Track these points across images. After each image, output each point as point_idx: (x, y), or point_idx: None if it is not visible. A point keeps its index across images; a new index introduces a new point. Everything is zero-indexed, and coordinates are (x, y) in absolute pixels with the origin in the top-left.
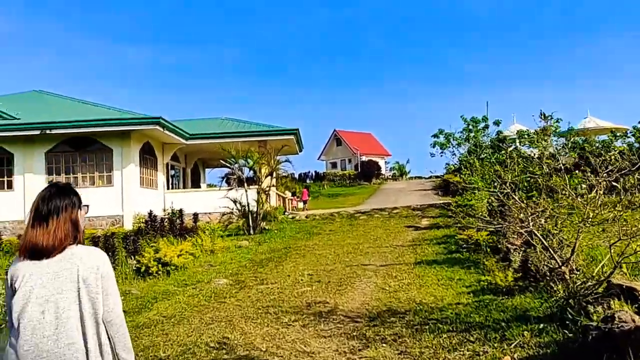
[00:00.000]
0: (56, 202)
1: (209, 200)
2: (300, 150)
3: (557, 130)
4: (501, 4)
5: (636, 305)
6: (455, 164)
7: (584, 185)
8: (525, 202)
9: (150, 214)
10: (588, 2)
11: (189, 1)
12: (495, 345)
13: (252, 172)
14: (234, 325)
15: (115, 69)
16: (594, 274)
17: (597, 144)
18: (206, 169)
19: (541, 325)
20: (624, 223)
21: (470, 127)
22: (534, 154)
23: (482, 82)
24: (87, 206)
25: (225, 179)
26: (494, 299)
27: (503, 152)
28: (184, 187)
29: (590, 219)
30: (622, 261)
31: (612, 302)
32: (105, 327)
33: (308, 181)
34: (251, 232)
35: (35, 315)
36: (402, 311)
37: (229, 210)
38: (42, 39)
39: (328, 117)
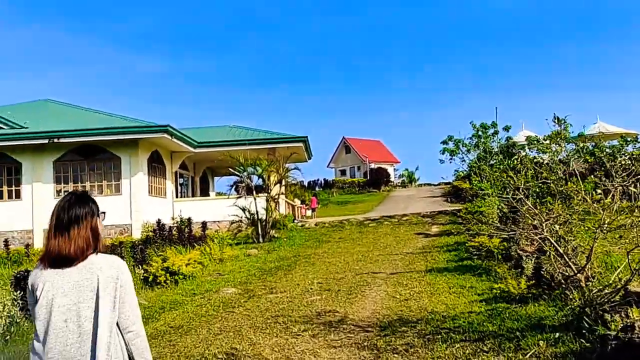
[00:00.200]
0: (76, 210)
1: (217, 209)
2: (310, 158)
3: (567, 136)
4: (507, 10)
5: None
6: (465, 170)
7: (599, 190)
8: (539, 207)
9: (158, 222)
10: (591, 5)
11: (197, 11)
12: (510, 355)
13: (260, 180)
14: (242, 335)
15: (124, 78)
16: (610, 282)
17: (607, 150)
18: (215, 177)
19: (557, 335)
20: None
21: (480, 133)
22: (544, 160)
23: (490, 89)
24: (104, 213)
25: (234, 187)
26: (507, 307)
27: (515, 157)
28: (193, 196)
29: (606, 225)
30: None
31: (630, 311)
32: (122, 335)
33: (317, 189)
34: (260, 240)
35: (59, 323)
36: (414, 320)
37: (237, 218)
38: (51, 48)
39: (337, 125)
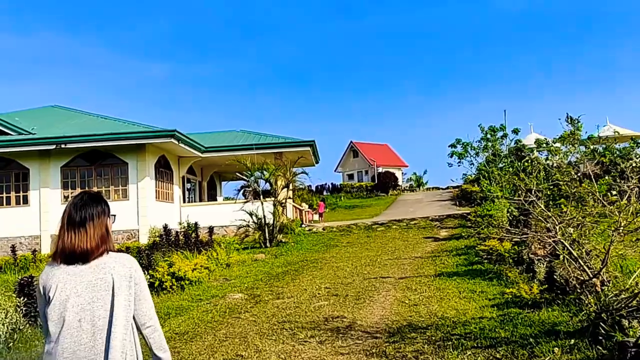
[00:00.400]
0: (90, 208)
1: (225, 213)
2: (317, 162)
3: (580, 137)
4: (512, 12)
5: None
6: (473, 173)
7: (614, 192)
8: (552, 210)
9: (165, 227)
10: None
11: (203, 17)
12: None
13: (268, 184)
14: (248, 342)
15: (131, 83)
16: (627, 286)
17: (617, 152)
18: (222, 182)
19: (572, 341)
20: None
21: (489, 135)
22: (553, 163)
23: (497, 92)
24: (115, 216)
25: (242, 192)
26: (519, 312)
27: (527, 158)
28: (200, 201)
29: (623, 228)
30: None
31: None
32: (140, 333)
33: (325, 193)
34: (267, 244)
35: (73, 323)
36: (423, 326)
37: (245, 223)
38: (60, 55)
39: (344, 129)
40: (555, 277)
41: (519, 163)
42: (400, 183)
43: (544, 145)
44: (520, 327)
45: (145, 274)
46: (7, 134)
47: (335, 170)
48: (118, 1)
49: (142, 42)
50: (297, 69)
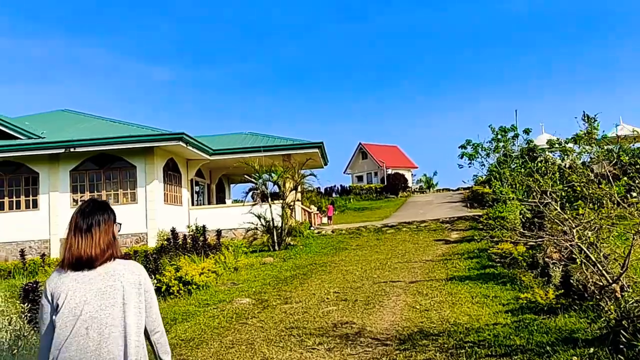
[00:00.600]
0: (96, 216)
1: (233, 216)
2: (326, 164)
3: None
4: (519, 12)
5: None
6: (483, 175)
7: (634, 194)
8: (568, 212)
9: (172, 231)
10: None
11: (208, 21)
12: None
13: (276, 186)
14: (255, 349)
15: (139, 87)
16: None
17: (631, 152)
18: (231, 185)
19: (591, 350)
20: None
21: (499, 136)
22: (566, 164)
23: (507, 92)
24: (120, 224)
25: (250, 194)
26: (534, 318)
27: (541, 159)
28: (209, 203)
29: None
30: None
31: None
32: (149, 339)
33: (334, 195)
34: (276, 248)
35: (80, 331)
36: (435, 333)
37: (253, 226)
38: (70, 59)
39: (353, 131)
40: (571, 281)
41: (533, 164)
42: (410, 185)
43: (557, 145)
44: (536, 334)
45: (152, 278)
46: (17, 138)
47: (344, 172)
48: (124, 7)
49: (147, 47)
50: (304, 71)
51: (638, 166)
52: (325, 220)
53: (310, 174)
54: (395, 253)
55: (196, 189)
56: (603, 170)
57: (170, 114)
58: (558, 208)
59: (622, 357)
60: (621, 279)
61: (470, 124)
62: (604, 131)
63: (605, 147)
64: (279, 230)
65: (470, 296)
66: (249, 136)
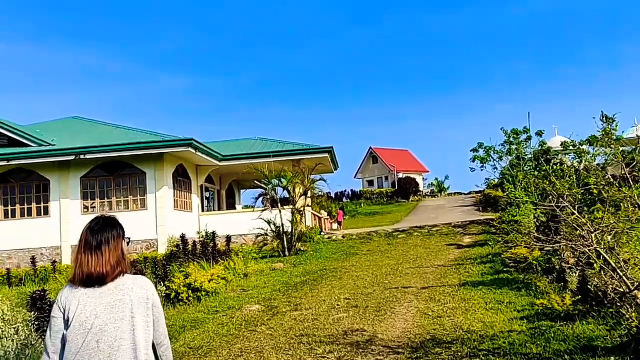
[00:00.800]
0: (105, 233)
1: (243, 222)
2: (336, 169)
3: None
4: (536, 16)
5: None
6: (496, 178)
7: None
8: (586, 216)
9: (182, 237)
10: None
11: (220, 29)
12: None
13: (286, 192)
14: (264, 357)
15: (150, 95)
16: None
17: None
18: (241, 190)
19: (612, 359)
20: None
21: (512, 139)
22: (581, 166)
23: (519, 95)
24: (129, 238)
25: (260, 200)
26: (551, 325)
27: (557, 161)
28: (219, 209)
29: None
30: None
31: None
32: (155, 352)
33: (345, 200)
34: (286, 253)
35: (91, 344)
36: (448, 340)
37: (263, 231)
38: (79, 68)
39: (363, 135)
40: (589, 287)
41: (548, 166)
42: (421, 189)
43: (571, 147)
44: (553, 342)
45: (161, 285)
46: (29, 145)
47: (354, 177)
48: (134, 15)
49: (160, 54)
50: (315, 76)
51: None
52: (335, 226)
53: (320, 179)
54: (407, 258)
55: (206, 195)
56: (623, 172)
57: (182, 121)
58: (576, 212)
59: None
60: None
61: (482, 128)
62: (623, 132)
63: (622, 149)
64: (289, 236)
65: (484, 302)
66: (258, 141)
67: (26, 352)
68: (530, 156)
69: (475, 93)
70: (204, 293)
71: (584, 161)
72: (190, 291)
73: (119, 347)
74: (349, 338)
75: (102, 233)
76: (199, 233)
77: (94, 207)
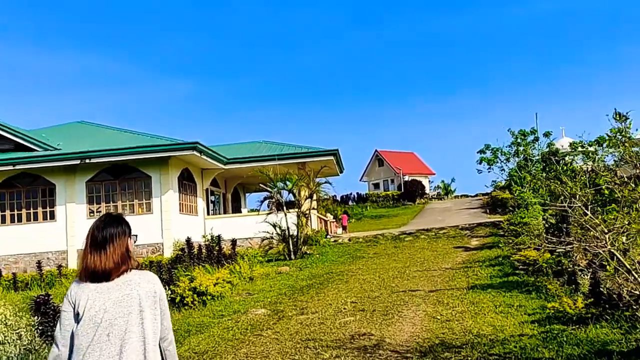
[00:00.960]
0: (110, 230)
1: (249, 225)
2: (341, 172)
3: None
4: (541, 18)
5: None
6: (503, 180)
7: None
8: (599, 217)
9: (187, 241)
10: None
11: (221, 32)
12: None
13: (291, 195)
14: None
15: (151, 98)
16: None
17: None
18: (247, 194)
19: None
20: None
21: (519, 140)
22: (589, 167)
23: (525, 96)
24: (136, 236)
25: (265, 203)
26: (563, 329)
27: (568, 162)
28: (225, 213)
29: None
30: None
31: None
32: (160, 345)
33: (351, 203)
34: (292, 257)
35: (102, 337)
36: (457, 344)
37: (268, 235)
38: (80, 71)
39: (369, 138)
40: (601, 289)
41: (558, 166)
42: (427, 191)
43: (580, 148)
44: (566, 346)
45: (166, 289)
46: (34, 150)
47: (360, 180)
48: (133, 19)
49: (160, 58)
50: (317, 79)
51: None
52: (339, 230)
53: (325, 182)
54: (414, 261)
55: (212, 198)
56: (638, 171)
57: (187, 125)
58: (589, 212)
59: None
60: None
61: (483, 128)
62: (637, 129)
63: (634, 149)
64: (295, 239)
65: (493, 305)
66: (263, 145)
67: (30, 358)
68: (537, 157)
69: (475, 94)
70: (209, 297)
71: (596, 160)
72: (195, 295)
73: (129, 340)
74: (356, 342)
75: (107, 230)
76: (204, 236)
77: (100, 211)
